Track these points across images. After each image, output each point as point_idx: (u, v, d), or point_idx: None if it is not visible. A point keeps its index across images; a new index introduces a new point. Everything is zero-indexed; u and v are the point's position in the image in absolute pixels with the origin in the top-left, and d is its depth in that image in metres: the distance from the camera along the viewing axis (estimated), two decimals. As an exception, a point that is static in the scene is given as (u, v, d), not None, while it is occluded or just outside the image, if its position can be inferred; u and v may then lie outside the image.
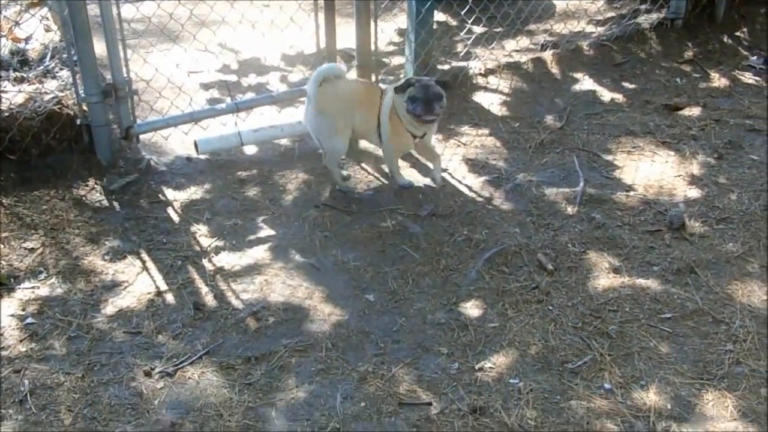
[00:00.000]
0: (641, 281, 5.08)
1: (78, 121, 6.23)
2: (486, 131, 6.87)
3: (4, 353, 4.65)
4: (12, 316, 4.93)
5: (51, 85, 6.59)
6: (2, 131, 6.04)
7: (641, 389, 4.32)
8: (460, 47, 8.13)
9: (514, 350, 4.59)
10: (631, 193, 5.96)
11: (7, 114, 6.13)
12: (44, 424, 4.20)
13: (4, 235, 5.61)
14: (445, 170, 6.32)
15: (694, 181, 6.10)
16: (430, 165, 6.27)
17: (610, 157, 6.42)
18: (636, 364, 4.48)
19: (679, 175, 6.16)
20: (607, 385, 4.35)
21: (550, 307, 4.89)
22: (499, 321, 4.80)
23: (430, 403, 4.27)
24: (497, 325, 4.77)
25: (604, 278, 5.11)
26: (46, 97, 6.37)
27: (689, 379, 4.39)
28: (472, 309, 4.91)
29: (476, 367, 4.49)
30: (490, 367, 4.48)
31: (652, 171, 6.23)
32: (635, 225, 5.60)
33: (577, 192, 5.94)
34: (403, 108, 5.77)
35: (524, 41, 8.26)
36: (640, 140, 6.65)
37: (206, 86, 7.59)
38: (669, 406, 4.22)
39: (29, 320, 4.89)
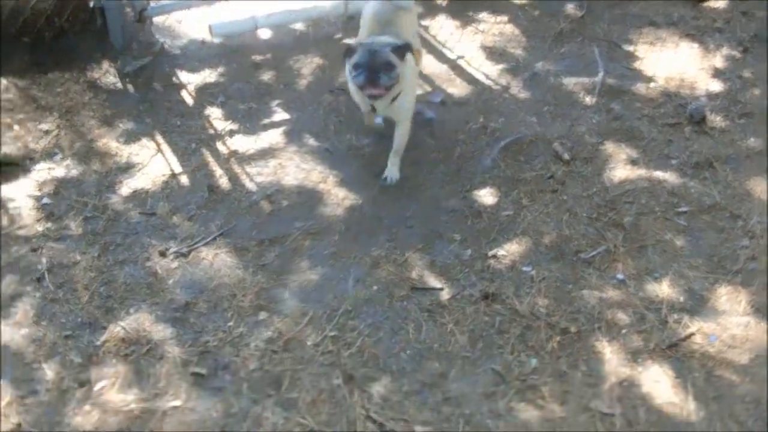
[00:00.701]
0: (658, 174, 5.03)
1: (91, 4, 6.14)
2: (505, 18, 6.73)
3: (22, 232, 4.68)
4: (29, 196, 4.95)
5: (64, -35, 6.49)
6: (15, 14, 5.97)
7: (654, 281, 4.32)
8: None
9: (528, 239, 4.59)
10: (652, 85, 5.85)
11: (20, -5, 6.06)
12: (61, 301, 4.26)
13: (19, 117, 5.60)
14: (461, 57, 6.23)
15: (716, 74, 5.97)
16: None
17: (631, 48, 6.30)
18: (650, 256, 4.47)
19: (701, 68, 6.04)
20: (620, 276, 4.35)
21: (565, 197, 4.87)
22: (514, 209, 4.79)
23: (441, 289, 4.29)
24: (511, 213, 4.76)
25: (621, 170, 5.07)
26: (59, -21, 6.28)
27: (703, 273, 4.38)
28: (486, 197, 4.89)
29: (489, 254, 4.49)
30: (503, 255, 4.49)
31: (674, 63, 6.10)
32: (654, 117, 5.52)
33: (596, 82, 5.85)
34: (349, 77, 4.85)
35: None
36: (663, 31, 6.50)
37: (221, -32, 7.46)
38: (681, 299, 4.22)
39: (45, 200, 4.91)
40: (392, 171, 5.02)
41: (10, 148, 5.32)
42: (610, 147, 5.25)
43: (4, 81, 5.88)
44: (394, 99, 4.83)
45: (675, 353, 3.94)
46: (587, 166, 5.10)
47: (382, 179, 5.00)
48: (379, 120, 5.38)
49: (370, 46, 4.66)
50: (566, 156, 5.14)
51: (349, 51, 4.73)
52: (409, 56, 4.79)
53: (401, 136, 5.02)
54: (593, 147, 5.25)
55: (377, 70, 4.59)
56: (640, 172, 5.04)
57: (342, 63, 4.94)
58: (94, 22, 6.16)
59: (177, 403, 3.74)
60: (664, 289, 4.27)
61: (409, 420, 3.64)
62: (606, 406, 3.70)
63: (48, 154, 5.30)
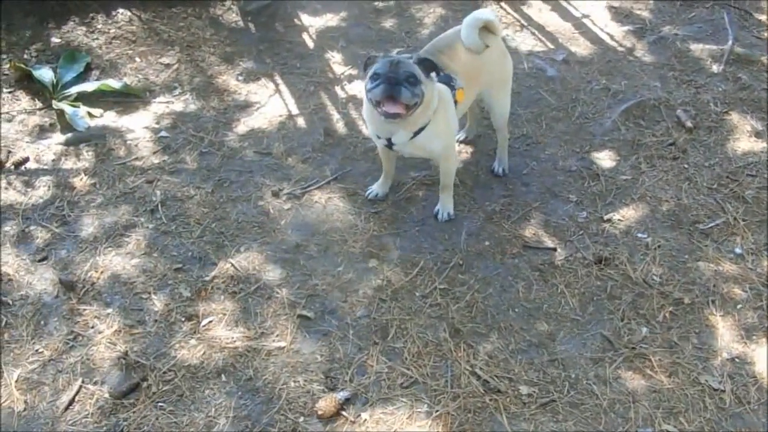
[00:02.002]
0: (784, 147, 4.87)
1: (219, -62, 6.17)
2: (633, -21, 6.58)
3: (138, 164, 4.76)
4: (146, 128, 5.03)
5: None
6: (142, -56, 6.04)
7: (773, 257, 4.20)
8: None
9: (645, 205, 4.48)
10: (783, 55, 5.66)
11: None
12: (173, 234, 4.32)
13: (141, 49, 5.68)
14: (586, 16, 6.09)
15: None
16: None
17: (763, 17, 6.08)
18: (771, 231, 4.34)
19: (836, 41, 5.82)
20: (738, 250, 4.22)
21: (686, 165, 4.74)
22: (632, 174, 4.68)
23: (555, 249, 4.23)
24: (629, 177, 4.66)
25: (745, 141, 4.91)
26: None
27: (825, 250, 4.24)
28: (604, 159, 4.79)
29: (605, 217, 4.41)
30: (619, 219, 4.40)
31: (807, 34, 5.89)
32: (783, 89, 5.34)
33: (725, 50, 5.66)
34: (366, 92, 4.02)
35: None
36: (798, 1, 6.28)
37: None
38: (801, 277, 4.09)
39: (163, 133, 4.98)
40: (444, 207, 4.45)
41: (131, 80, 5.40)
42: (735, 117, 5.09)
43: (128, 13, 5.95)
44: (417, 133, 4.08)
45: (790, 333, 3.82)
46: (710, 135, 4.95)
47: (434, 215, 4.45)
48: (375, 192, 4.58)
49: (393, 56, 4.01)
50: (689, 123, 4.99)
51: (369, 60, 4.03)
52: (445, 89, 4.15)
53: (445, 175, 4.37)
54: (717, 116, 5.09)
55: (398, 82, 3.84)
56: (765, 145, 4.88)
57: (361, 76, 4.25)
58: (220, -41, 6.20)
59: (282, 344, 3.77)
60: (783, 266, 4.14)
61: (514, 379, 3.61)
62: (716, 381, 3.61)
63: (168, 88, 5.36)
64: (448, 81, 4.14)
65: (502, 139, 4.67)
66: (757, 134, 4.96)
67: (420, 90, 3.87)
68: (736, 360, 3.70)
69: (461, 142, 4.91)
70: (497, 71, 4.45)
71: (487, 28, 4.28)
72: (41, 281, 4.05)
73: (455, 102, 4.20)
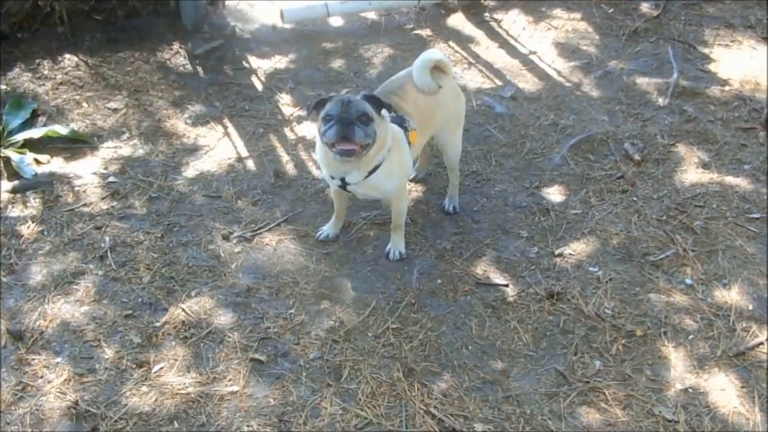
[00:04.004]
0: (731, 179, 4.91)
1: (165, -16, 6.18)
2: (578, 15, 6.66)
3: (86, 210, 4.71)
4: (95, 174, 4.98)
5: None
6: (89, -10, 6.02)
7: (723, 288, 4.22)
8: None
9: (596, 238, 4.51)
10: (726, 87, 5.74)
11: (94, -27, 6.10)
12: (123, 280, 4.26)
13: (88, 94, 5.64)
14: (533, 53, 6.16)
15: (793, 79, 5.85)
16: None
17: (706, 50, 6.18)
18: (720, 262, 4.37)
19: (778, 72, 5.92)
20: (688, 281, 4.25)
21: (635, 198, 4.78)
22: (582, 208, 4.71)
23: (507, 285, 4.23)
24: (579, 212, 4.69)
25: (693, 173, 4.97)
26: (134, -42, 6.32)
27: (774, 280, 4.28)
28: (554, 194, 4.82)
29: (556, 252, 4.42)
30: (570, 254, 4.42)
31: (749, 66, 5.97)
32: (728, 121, 5.41)
33: (670, 83, 5.75)
34: (320, 135, 4.00)
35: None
36: (740, 34, 6.38)
37: (294, -45, 7.46)
38: (750, 307, 4.11)
39: (111, 179, 4.93)
40: (395, 246, 4.42)
41: (78, 125, 5.36)
42: (682, 149, 5.15)
43: (75, 58, 5.92)
44: (371, 172, 4.07)
45: (742, 362, 3.84)
46: (658, 167, 5.00)
47: (386, 255, 4.42)
48: (327, 233, 4.55)
49: (344, 96, 3.95)
50: (637, 156, 5.04)
51: (320, 103, 3.98)
52: (399, 129, 4.15)
53: (396, 215, 4.36)
54: (665, 148, 5.15)
55: (351, 122, 3.82)
56: (712, 176, 4.94)
57: (311, 118, 4.31)
58: (167, 3, 6.19)
59: (235, 388, 3.72)
60: (732, 296, 4.16)
61: (469, 417, 3.59)
62: (670, 412, 3.62)
63: (116, 133, 5.32)
64: (401, 122, 4.17)
65: (454, 177, 4.68)
66: (704, 165, 5.02)
67: (373, 129, 3.87)
68: (690, 390, 3.71)
69: (412, 180, 4.90)
70: (452, 111, 4.47)
71: (438, 68, 4.30)
72: (-12, 332, 3.99)
73: (409, 143, 4.18)
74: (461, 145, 4.62)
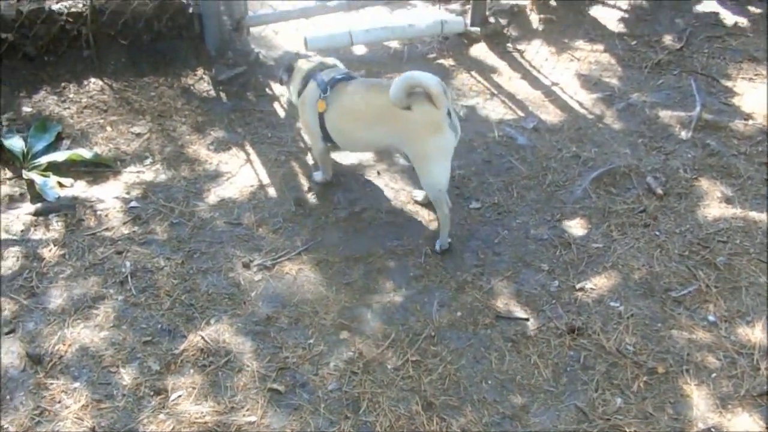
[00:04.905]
0: (754, 214, 4.88)
1: (190, 10, 6.20)
2: (601, 47, 6.66)
3: (108, 234, 4.72)
4: (117, 198, 4.99)
5: (165, -29, 6.58)
6: (116, 15, 6.06)
7: (747, 325, 4.18)
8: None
9: (617, 273, 4.48)
10: (750, 121, 5.71)
11: (121, -2, 6.14)
12: (143, 306, 4.26)
13: (112, 118, 5.66)
14: (556, 84, 6.16)
15: (818, 113, 5.82)
16: None
17: (729, 83, 6.16)
18: (743, 298, 4.33)
19: (802, 107, 5.88)
20: (711, 318, 4.22)
21: (657, 233, 4.75)
22: (603, 242, 4.69)
23: (527, 319, 4.21)
24: (601, 245, 4.66)
25: (716, 207, 4.94)
26: (160, -16, 6.37)
27: (798, 318, 4.24)
28: (576, 227, 4.80)
29: (577, 286, 4.40)
30: (591, 288, 4.39)
31: (773, 100, 5.96)
32: (752, 155, 5.37)
33: (693, 116, 5.72)
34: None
35: (648, -44, 7.94)
36: (763, 67, 6.35)
37: (319, -17, 7.51)
38: (775, 345, 4.09)
39: (133, 204, 4.94)
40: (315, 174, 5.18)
41: (102, 149, 5.38)
42: (705, 183, 5.12)
43: (100, 82, 5.95)
44: None
45: (766, 402, 3.79)
46: (681, 201, 4.97)
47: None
48: (321, 178, 5.18)
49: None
50: (659, 190, 5.02)
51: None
52: (309, 96, 4.81)
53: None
54: (687, 182, 5.12)
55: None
56: (735, 211, 4.90)
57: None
58: (192, 29, 6.22)
59: (252, 418, 3.71)
60: (756, 334, 4.12)
61: (488, 452, 3.57)
62: (692, 452, 3.59)
63: (138, 157, 5.34)
64: (324, 87, 4.71)
65: (441, 215, 4.61)
66: (728, 200, 4.99)
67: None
68: (712, 430, 3.67)
69: (419, 202, 4.98)
70: (417, 139, 4.45)
71: (429, 97, 4.31)
72: (8, 354, 3.98)
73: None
74: (440, 183, 4.52)
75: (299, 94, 4.87)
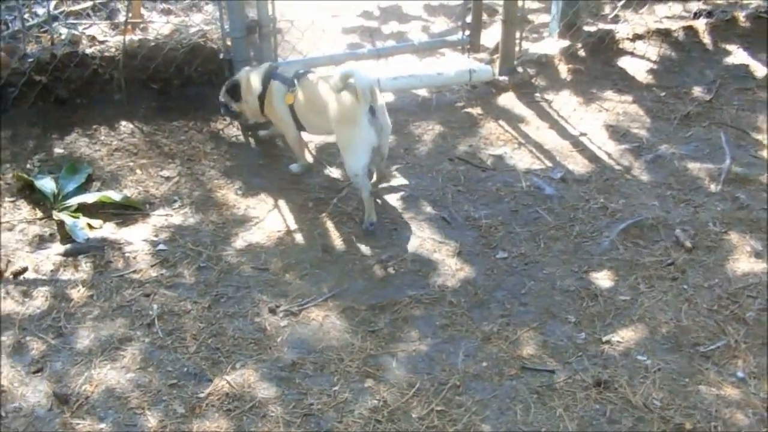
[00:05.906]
0: (783, 269, 4.86)
1: (220, 56, 6.29)
2: (629, 98, 6.68)
3: (136, 276, 4.74)
4: (145, 241, 5.03)
5: (196, 18, 6.71)
6: (148, 60, 6.15)
7: (776, 382, 4.15)
8: (608, 9, 7.90)
9: (644, 326, 4.45)
10: (780, 175, 5.70)
11: (153, 44, 6.23)
12: (169, 349, 4.27)
13: (142, 161, 5.72)
14: (584, 134, 6.17)
15: None
16: None
17: (760, 136, 6.16)
18: (772, 354, 4.30)
19: (832, 162, 5.86)
20: (740, 374, 4.17)
21: (685, 286, 4.72)
22: (631, 294, 4.66)
23: (553, 371, 4.18)
24: (628, 298, 4.64)
25: (745, 261, 4.91)
26: (191, 30, 6.47)
27: (828, 376, 4.19)
28: (603, 279, 4.78)
29: (603, 339, 4.37)
30: (618, 341, 4.36)
31: (804, 154, 5.94)
32: (781, 209, 5.36)
33: (722, 169, 5.71)
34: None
35: (676, 8, 7.97)
36: (793, 120, 6.36)
37: (347, 31, 7.57)
38: (805, 403, 4.04)
39: (161, 246, 4.97)
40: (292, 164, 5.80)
41: (131, 192, 5.43)
42: (734, 237, 5.09)
43: (130, 125, 6.02)
44: None
45: (795, 461, 3.76)
46: (710, 255, 4.95)
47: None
48: (299, 168, 5.77)
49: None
50: (688, 243, 5.00)
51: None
52: (276, 89, 5.52)
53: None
54: (717, 236, 5.10)
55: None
56: (765, 265, 4.87)
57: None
58: (222, 74, 6.28)
59: (276, 464, 3.71)
60: (786, 392, 4.09)
61: (513, 506, 3.53)
62: None
63: (167, 201, 5.38)
64: (290, 84, 5.44)
65: (363, 198, 5.18)
66: (757, 254, 4.96)
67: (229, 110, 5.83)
68: (740, 489, 3.64)
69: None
70: (338, 127, 5.21)
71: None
72: (35, 393, 3.99)
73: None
74: (353, 168, 5.15)
75: (260, 98, 5.56)
